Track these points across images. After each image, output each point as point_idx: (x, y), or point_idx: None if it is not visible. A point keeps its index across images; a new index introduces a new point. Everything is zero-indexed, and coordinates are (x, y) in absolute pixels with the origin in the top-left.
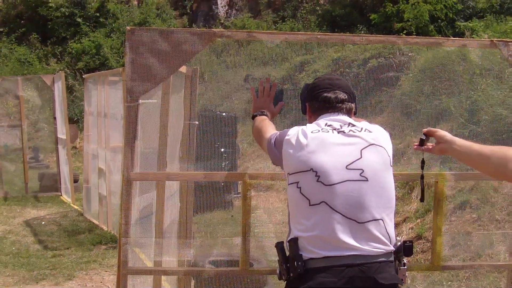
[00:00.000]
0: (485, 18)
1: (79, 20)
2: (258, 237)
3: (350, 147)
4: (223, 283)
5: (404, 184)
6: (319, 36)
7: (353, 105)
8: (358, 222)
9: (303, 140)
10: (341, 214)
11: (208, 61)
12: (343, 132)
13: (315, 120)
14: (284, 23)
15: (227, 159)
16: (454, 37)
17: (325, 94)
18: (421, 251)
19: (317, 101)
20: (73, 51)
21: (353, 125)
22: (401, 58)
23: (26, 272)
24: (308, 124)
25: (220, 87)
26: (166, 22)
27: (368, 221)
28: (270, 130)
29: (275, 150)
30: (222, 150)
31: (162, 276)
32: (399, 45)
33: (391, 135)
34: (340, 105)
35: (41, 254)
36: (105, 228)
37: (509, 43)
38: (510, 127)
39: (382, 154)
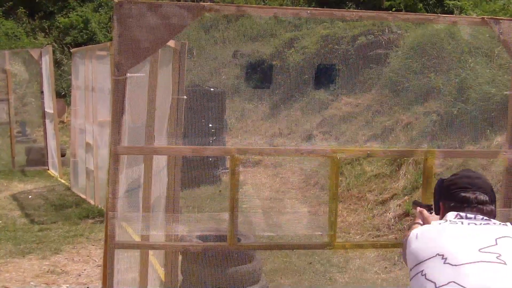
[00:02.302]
0: None
1: None
2: (245, 213)
3: (483, 234)
4: (211, 258)
5: (392, 161)
6: (309, 11)
7: (494, 208)
8: None
9: (427, 232)
10: None
11: (197, 37)
12: (474, 224)
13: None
14: None
15: (215, 135)
16: (445, 15)
17: (463, 194)
18: (409, 228)
19: (453, 201)
20: (61, 26)
21: (487, 219)
22: (390, 35)
23: (13, 246)
24: (433, 222)
25: (209, 63)
26: None
27: None
28: None
29: (404, 254)
30: (210, 125)
31: (149, 251)
32: (390, 21)
33: (379, 112)
34: (480, 206)
35: (28, 228)
36: (92, 202)
37: (500, 21)
38: (499, 106)
39: None
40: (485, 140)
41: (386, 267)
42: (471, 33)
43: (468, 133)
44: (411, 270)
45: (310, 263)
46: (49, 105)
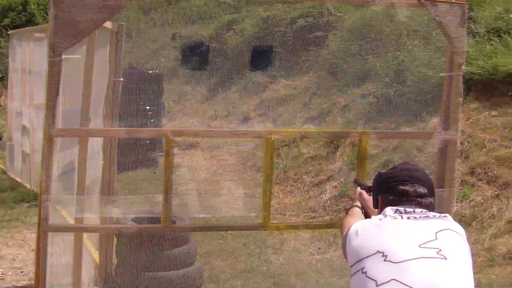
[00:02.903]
0: None
1: None
2: (181, 195)
3: (423, 229)
4: (145, 240)
5: (329, 143)
6: None
7: (433, 200)
8: None
9: (366, 229)
10: None
11: (135, 19)
12: (414, 217)
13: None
14: None
15: (152, 117)
16: None
17: (402, 187)
18: (344, 209)
19: (391, 194)
20: None
21: (427, 212)
22: (329, 18)
23: None
24: (373, 217)
25: (147, 45)
26: None
27: None
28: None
29: (343, 248)
30: (148, 107)
31: (84, 234)
32: (327, 2)
33: (316, 94)
34: (419, 199)
35: None
36: (28, 186)
37: (437, 3)
38: (435, 88)
39: (459, 241)
40: (421, 121)
41: (320, 248)
42: (410, 16)
43: (404, 115)
44: (351, 267)
45: (244, 244)
46: None
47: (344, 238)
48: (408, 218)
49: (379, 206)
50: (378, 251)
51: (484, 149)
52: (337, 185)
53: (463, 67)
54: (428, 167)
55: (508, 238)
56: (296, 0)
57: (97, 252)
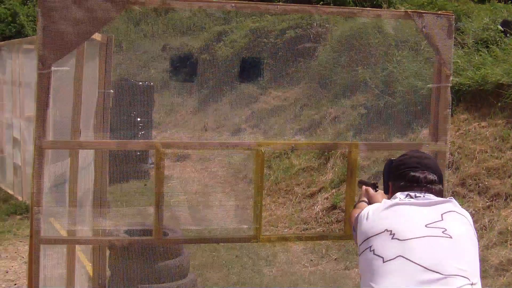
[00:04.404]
0: None
1: None
2: (173, 207)
3: (429, 210)
4: (138, 252)
5: (320, 154)
6: (233, 4)
7: (442, 187)
8: (443, 275)
9: (376, 211)
10: (422, 266)
11: (126, 30)
12: (422, 201)
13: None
14: None
15: (143, 129)
16: (370, 8)
17: (413, 174)
18: (336, 221)
19: (402, 180)
20: None
21: (434, 197)
22: (318, 29)
23: None
24: (384, 200)
25: (138, 56)
26: None
27: (456, 275)
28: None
29: (354, 234)
30: (138, 119)
31: (76, 246)
32: (314, 14)
33: (307, 106)
34: (429, 185)
35: None
36: (20, 198)
37: (424, 14)
38: (425, 99)
39: (465, 223)
40: (411, 132)
41: (312, 260)
42: (398, 27)
43: (395, 126)
44: (360, 245)
45: (237, 256)
46: None
47: (355, 220)
48: (418, 202)
49: (390, 192)
50: (386, 230)
51: (474, 160)
52: (329, 196)
53: (451, 78)
54: None
55: (500, 249)
56: (284, 11)
57: (90, 264)
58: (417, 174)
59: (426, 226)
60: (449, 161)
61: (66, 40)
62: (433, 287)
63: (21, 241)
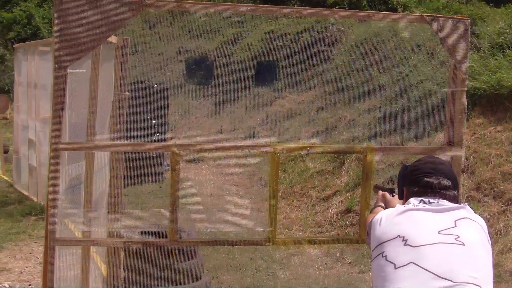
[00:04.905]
0: None
1: None
2: (188, 209)
3: (443, 216)
4: (152, 254)
5: (335, 158)
6: (249, 8)
7: (457, 193)
8: (455, 282)
9: (390, 216)
10: (434, 274)
11: (141, 33)
12: (436, 208)
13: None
14: None
15: (158, 131)
16: (385, 12)
17: (427, 179)
18: (351, 225)
19: (416, 186)
20: (4, 21)
21: (448, 203)
22: (334, 32)
23: None
24: (397, 205)
25: (153, 59)
26: None
27: (467, 283)
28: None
29: (368, 239)
30: (154, 121)
31: (91, 247)
32: (330, 18)
33: (322, 109)
34: (443, 191)
35: None
36: (35, 199)
37: (439, 19)
38: (440, 103)
39: (478, 230)
40: (426, 136)
41: (327, 263)
42: (413, 31)
43: (410, 130)
44: (373, 250)
45: (251, 259)
46: None
47: (369, 225)
48: (431, 208)
49: (404, 197)
50: (399, 236)
51: (490, 165)
52: (343, 200)
53: (467, 82)
54: None
55: None
56: (300, 14)
57: (104, 265)
58: (431, 179)
59: (439, 232)
60: (464, 166)
61: (82, 43)
62: None
63: (36, 242)
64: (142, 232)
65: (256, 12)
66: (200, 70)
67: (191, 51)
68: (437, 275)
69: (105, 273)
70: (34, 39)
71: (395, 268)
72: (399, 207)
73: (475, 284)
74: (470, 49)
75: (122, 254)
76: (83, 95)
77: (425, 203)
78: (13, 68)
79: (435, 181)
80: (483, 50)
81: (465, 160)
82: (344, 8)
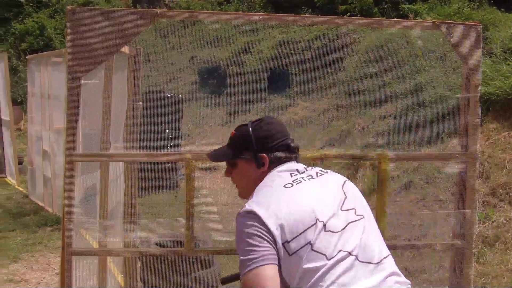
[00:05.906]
0: (429, 1)
1: (21, 0)
2: (203, 218)
3: (332, 188)
4: (169, 264)
5: (349, 165)
6: (261, 17)
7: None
8: (374, 263)
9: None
10: (357, 258)
11: (153, 42)
12: (312, 177)
13: (265, 175)
14: (229, 4)
15: (172, 140)
16: (397, 19)
17: (289, 143)
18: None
19: (279, 151)
20: (17, 32)
21: (316, 169)
22: (345, 39)
23: None
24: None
25: (166, 68)
26: (111, 2)
27: (384, 258)
28: None
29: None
30: (167, 131)
31: (108, 258)
32: (342, 25)
33: (336, 117)
34: (298, 154)
35: None
36: (50, 210)
37: (451, 25)
38: (454, 109)
39: (356, 190)
40: (441, 142)
41: None
42: (426, 37)
43: (424, 136)
44: (286, 245)
45: None
46: (6, 113)
47: (244, 225)
48: (309, 179)
49: (267, 165)
50: (318, 220)
51: (504, 170)
52: None
53: (480, 88)
54: (450, 188)
55: None
56: (312, 23)
57: (121, 275)
58: (291, 143)
59: (342, 209)
60: (479, 171)
61: (95, 54)
62: (371, 278)
63: (52, 253)
64: (158, 242)
65: (268, 21)
66: (212, 79)
67: (203, 60)
68: (360, 261)
69: (122, 283)
70: (46, 50)
71: (328, 259)
72: (276, 186)
73: (388, 255)
74: (482, 54)
75: (138, 264)
76: (97, 106)
77: (296, 174)
78: (26, 79)
79: (293, 144)
80: (495, 55)
81: (480, 166)
82: (355, 15)
